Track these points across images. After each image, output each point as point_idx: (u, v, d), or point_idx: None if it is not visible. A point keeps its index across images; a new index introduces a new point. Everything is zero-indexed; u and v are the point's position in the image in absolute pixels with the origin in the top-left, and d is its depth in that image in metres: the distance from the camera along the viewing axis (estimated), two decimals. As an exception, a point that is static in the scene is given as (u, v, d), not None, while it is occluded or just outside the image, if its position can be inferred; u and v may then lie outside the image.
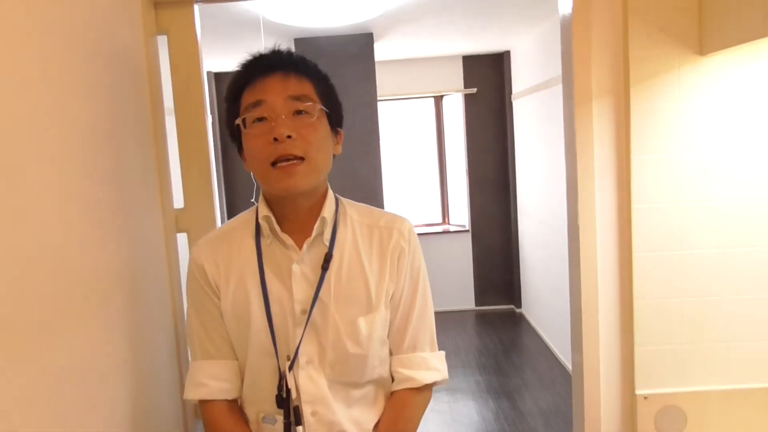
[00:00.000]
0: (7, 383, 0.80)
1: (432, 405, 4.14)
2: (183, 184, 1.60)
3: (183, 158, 1.59)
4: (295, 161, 1.13)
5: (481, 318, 5.70)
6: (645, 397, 1.62)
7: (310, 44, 4.20)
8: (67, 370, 0.97)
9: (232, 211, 5.40)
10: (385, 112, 5.76)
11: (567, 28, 1.62)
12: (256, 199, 1.29)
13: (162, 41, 1.58)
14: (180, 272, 1.60)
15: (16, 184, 0.85)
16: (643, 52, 1.53)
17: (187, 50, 1.54)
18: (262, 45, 1.21)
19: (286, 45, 1.23)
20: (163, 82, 1.57)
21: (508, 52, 5.50)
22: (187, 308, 1.27)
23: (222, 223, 1.32)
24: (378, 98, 4.51)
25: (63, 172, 1.01)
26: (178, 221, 1.60)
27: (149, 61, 1.49)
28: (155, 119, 1.51)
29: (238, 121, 1.17)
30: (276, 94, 1.14)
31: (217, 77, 5.38)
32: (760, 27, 1.30)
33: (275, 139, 1.11)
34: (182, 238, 1.61)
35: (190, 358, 1.27)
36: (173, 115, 1.60)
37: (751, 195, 1.57)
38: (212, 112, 5.22)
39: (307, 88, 1.17)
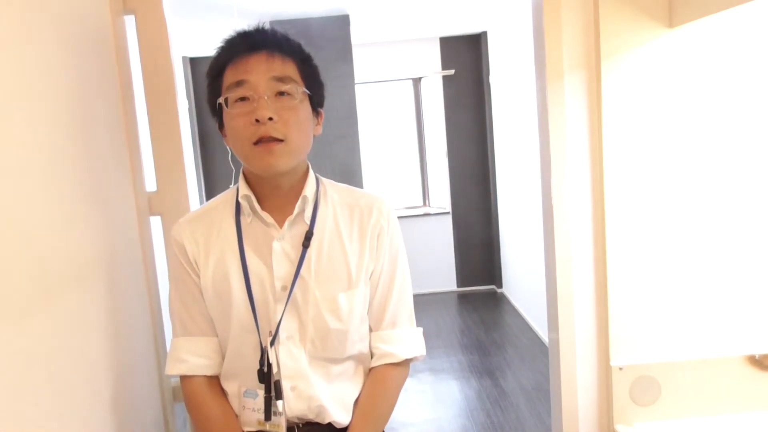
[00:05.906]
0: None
1: (415, 385, 4.16)
2: (155, 167, 1.58)
3: (154, 141, 1.57)
4: (274, 142, 1.13)
5: (463, 299, 5.74)
6: (620, 368, 1.65)
7: (285, 27, 4.13)
8: (42, 354, 0.96)
9: (210, 196, 5.36)
10: (363, 95, 5.73)
11: (538, 4, 1.62)
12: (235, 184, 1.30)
13: (130, 22, 1.56)
14: (154, 255, 1.59)
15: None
16: (614, 26, 1.54)
17: (155, 29, 1.52)
18: (237, 28, 1.19)
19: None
20: (133, 63, 1.55)
21: (485, 33, 5.49)
22: (169, 286, 1.29)
23: (199, 206, 1.33)
24: (356, 81, 4.49)
25: (32, 156, 0.99)
26: (152, 204, 1.58)
27: (117, 41, 1.47)
28: (125, 101, 1.49)
29: (221, 100, 1.17)
30: (259, 74, 1.13)
31: (193, 62, 5.30)
32: (727, -2, 1.31)
33: (257, 121, 1.12)
34: (156, 221, 1.60)
35: (168, 338, 1.26)
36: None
37: (722, 165, 1.59)
38: (188, 98, 5.15)
39: (290, 69, 1.17)
